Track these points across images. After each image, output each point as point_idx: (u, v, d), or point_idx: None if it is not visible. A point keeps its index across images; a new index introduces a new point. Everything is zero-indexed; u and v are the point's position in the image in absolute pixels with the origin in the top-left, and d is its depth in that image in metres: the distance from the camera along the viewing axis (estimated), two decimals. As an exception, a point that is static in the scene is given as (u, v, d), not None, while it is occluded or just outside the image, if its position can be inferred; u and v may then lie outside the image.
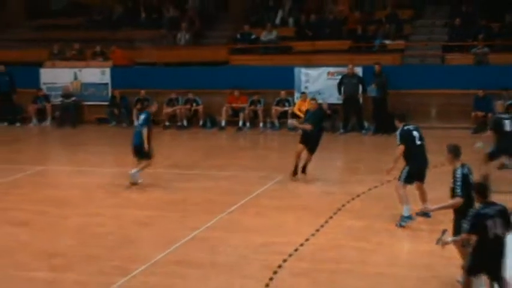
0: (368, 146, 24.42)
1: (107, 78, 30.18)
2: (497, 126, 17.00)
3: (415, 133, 14.68)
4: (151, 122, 18.96)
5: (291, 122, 18.23)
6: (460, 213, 11.06)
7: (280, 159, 22.26)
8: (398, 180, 14.61)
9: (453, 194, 11.21)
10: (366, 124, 26.59)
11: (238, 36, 31.31)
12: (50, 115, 29.98)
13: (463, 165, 11.41)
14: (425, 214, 14.16)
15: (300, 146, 18.18)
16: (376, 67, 26.66)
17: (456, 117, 25.71)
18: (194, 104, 28.33)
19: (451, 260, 11.23)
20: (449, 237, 10.41)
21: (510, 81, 25.34)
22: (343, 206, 16.15)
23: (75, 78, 30.44)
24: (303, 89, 27.71)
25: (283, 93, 27.77)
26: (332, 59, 28.46)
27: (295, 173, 18.39)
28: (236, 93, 28.14)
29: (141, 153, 18.53)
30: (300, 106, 26.92)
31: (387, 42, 29.38)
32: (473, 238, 9.85)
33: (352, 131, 26.41)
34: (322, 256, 13.01)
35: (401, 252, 13.31)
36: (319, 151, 18.42)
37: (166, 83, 29.05)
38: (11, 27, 35.76)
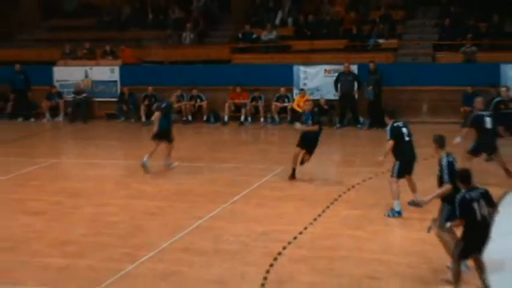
0: (363, 139, 24.41)
1: (116, 76, 30.18)
2: (478, 123, 16.82)
3: (404, 130, 14.75)
4: (171, 110, 20.21)
5: (299, 126, 17.96)
6: (447, 200, 11.19)
7: (280, 152, 22.27)
8: (392, 176, 14.69)
9: (441, 182, 11.33)
10: (361, 119, 26.61)
11: (240, 35, 31.31)
12: (63, 111, 29.98)
13: (448, 154, 11.59)
14: (416, 204, 14.22)
15: (298, 149, 17.73)
16: (371, 65, 26.68)
17: (446, 113, 25.70)
18: (198, 100, 28.33)
19: (441, 247, 11.24)
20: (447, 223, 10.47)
21: (497, 79, 25.36)
22: (340, 196, 16.18)
23: (86, 76, 30.44)
24: (301, 86, 27.72)
25: (282, 89, 27.78)
26: (329, 58, 28.47)
27: (293, 176, 17.81)
28: (238, 89, 28.16)
29: (166, 136, 19.35)
30: (298, 102, 26.92)
31: (381, 41, 29.38)
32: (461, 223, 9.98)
33: (348, 125, 26.42)
34: (320, 244, 13.04)
35: (395, 239, 13.34)
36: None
37: (172, 80, 29.02)
38: (26, 28, 35.73)
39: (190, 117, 28.37)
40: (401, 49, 29.38)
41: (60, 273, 11.61)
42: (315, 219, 14.46)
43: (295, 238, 13.26)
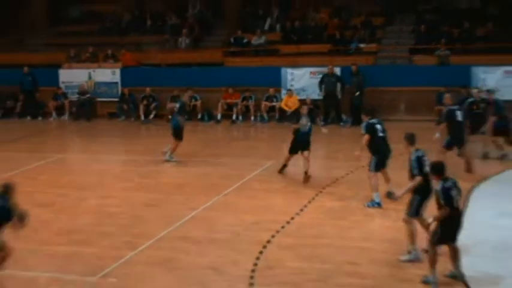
0: (346, 136, 24.41)
1: (117, 77, 30.11)
2: (451, 117, 16.94)
3: (378, 126, 14.82)
4: (185, 109, 20.59)
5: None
6: (417, 192, 11.34)
7: (270, 148, 22.35)
8: (369, 170, 14.78)
9: (411, 176, 11.46)
10: (344, 117, 26.66)
11: (232, 40, 31.28)
12: (68, 110, 29.91)
13: (417, 150, 11.70)
14: (390, 194, 14.32)
15: (290, 156, 17.36)
16: (353, 67, 26.75)
17: (422, 111, 25.75)
18: (193, 100, 28.31)
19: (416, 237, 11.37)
20: (429, 218, 10.54)
21: (468, 80, 25.45)
22: (324, 189, 16.24)
23: (90, 77, 30.38)
24: (288, 87, 27.71)
25: (271, 90, 27.77)
26: (314, 60, 28.47)
27: (281, 171, 17.64)
28: (230, 90, 28.16)
29: (177, 134, 19.72)
30: (286, 102, 27.05)
31: (362, 45, 29.38)
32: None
33: (331, 123, 26.40)
34: (306, 232, 13.11)
35: (374, 228, 13.41)
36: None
37: (169, 81, 28.96)
38: (34, 33, 35.63)
39: (186, 116, 28.29)
40: (381, 52, 29.40)
41: (67, 260, 11.67)
42: (301, 210, 14.53)
43: (283, 227, 13.33)
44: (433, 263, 10.18)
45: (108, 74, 30.27)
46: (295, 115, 17.96)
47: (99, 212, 14.79)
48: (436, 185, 10.31)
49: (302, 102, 26.60)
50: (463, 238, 10.56)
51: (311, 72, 27.80)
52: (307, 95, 27.20)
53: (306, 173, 16.71)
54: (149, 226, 13.66)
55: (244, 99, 28.10)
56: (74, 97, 30.07)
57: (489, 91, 20.15)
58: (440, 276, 10.26)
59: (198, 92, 28.20)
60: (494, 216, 13.67)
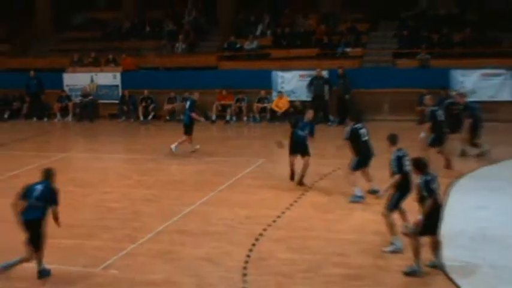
0: (333, 135, 24.28)
1: (117, 80, 30.03)
2: (434, 118, 16.97)
3: (362, 131, 14.79)
4: (196, 106, 20.74)
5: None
6: (398, 188, 11.40)
7: (261, 146, 22.31)
8: (349, 168, 14.77)
9: (392, 173, 11.51)
10: (331, 117, 26.65)
11: (226, 45, 31.26)
12: (71, 112, 29.82)
13: (398, 150, 11.75)
14: (374, 192, 14.30)
15: (292, 157, 16.26)
16: (340, 70, 26.74)
17: (404, 111, 25.72)
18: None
19: (396, 228, 11.40)
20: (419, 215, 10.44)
21: (447, 82, 25.49)
22: (313, 184, 16.26)
23: (92, 81, 30.29)
24: (279, 89, 27.70)
25: (263, 92, 27.75)
26: (303, 64, 28.42)
27: (292, 178, 16.38)
28: (224, 92, 28.12)
29: (188, 130, 20.22)
30: (277, 103, 27.10)
31: (348, 50, 29.36)
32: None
33: (319, 123, 26.36)
34: (296, 225, 13.13)
35: (360, 221, 13.39)
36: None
37: (167, 84, 28.92)
38: (40, 39, 35.54)
39: (182, 116, 28.21)
40: (366, 56, 29.38)
41: (70, 252, 11.66)
42: (291, 205, 14.55)
43: (274, 221, 13.34)
44: (417, 253, 10.21)
45: (109, 78, 30.18)
46: (293, 118, 17.72)
47: (100, 207, 14.78)
48: (417, 179, 10.34)
49: (291, 104, 26.94)
50: (444, 230, 10.58)
51: (300, 75, 27.76)
52: (296, 96, 27.22)
53: (301, 176, 16.18)
54: (148, 220, 13.64)
55: (237, 100, 28.08)
56: (77, 99, 29.98)
57: (461, 94, 20.12)
58: (422, 265, 10.29)
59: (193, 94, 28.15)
60: (472, 210, 13.73)
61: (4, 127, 28.51)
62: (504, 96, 25.37)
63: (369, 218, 13.38)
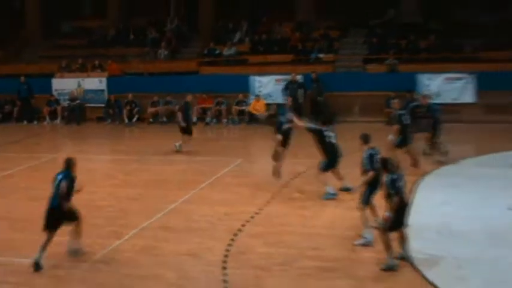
0: (306, 136, 24.34)
1: (103, 85, 29.91)
2: (400, 121, 17.04)
3: (330, 133, 14.81)
4: (189, 108, 21.17)
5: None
6: (368, 184, 11.46)
7: (240, 147, 22.34)
8: (318, 169, 14.76)
9: (364, 171, 11.57)
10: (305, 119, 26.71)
11: (206, 51, 31.23)
12: (60, 115, 29.66)
13: (370, 148, 11.81)
14: (347, 189, 14.32)
15: (281, 148, 16.40)
16: (313, 75, 26.88)
17: (374, 113, 25.78)
18: (172, 105, 28.18)
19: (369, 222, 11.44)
20: (386, 212, 10.47)
21: (414, 85, 25.63)
22: (288, 183, 16.27)
23: (79, 86, 30.14)
24: (256, 93, 27.74)
25: (241, 96, 27.76)
26: (279, 69, 28.45)
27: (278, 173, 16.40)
28: (204, 96, 28.08)
29: (186, 130, 20.45)
30: (254, 106, 27.14)
31: (321, 55, 29.44)
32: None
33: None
34: (273, 221, 13.13)
35: (333, 217, 13.41)
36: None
37: (150, 88, 28.85)
38: (29, 47, 35.37)
39: (165, 119, 28.23)
40: (338, 62, 29.47)
41: (60, 248, 11.55)
42: (268, 202, 14.56)
43: (252, 217, 13.35)
44: (388, 246, 10.26)
45: (95, 83, 30.06)
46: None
47: (88, 205, 14.59)
48: (385, 177, 10.40)
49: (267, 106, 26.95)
50: (411, 224, 10.65)
51: (276, 80, 27.81)
52: (272, 100, 27.25)
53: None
54: (133, 218, 13.60)
55: (217, 104, 28.05)
56: (66, 103, 29.83)
57: (425, 96, 20.20)
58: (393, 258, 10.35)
59: (176, 97, 28.04)
60: (438, 205, 13.81)
61: (-4, 130, 28.28)
62: (466, 99, 25.58)
63: (342, 214, 13.43)
